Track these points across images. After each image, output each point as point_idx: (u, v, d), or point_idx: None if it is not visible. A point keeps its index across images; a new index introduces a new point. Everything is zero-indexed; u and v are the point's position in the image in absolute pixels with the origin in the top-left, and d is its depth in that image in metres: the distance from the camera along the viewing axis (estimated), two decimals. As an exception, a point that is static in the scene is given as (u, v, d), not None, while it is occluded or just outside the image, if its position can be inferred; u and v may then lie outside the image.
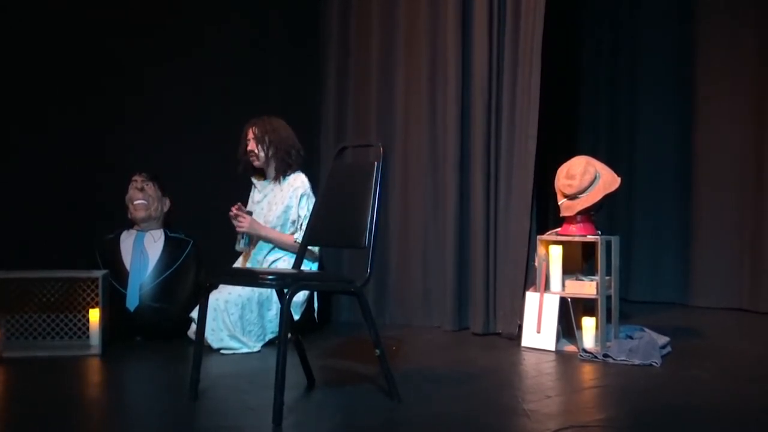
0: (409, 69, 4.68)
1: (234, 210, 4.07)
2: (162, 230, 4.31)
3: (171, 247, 4.24)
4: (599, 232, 3.84)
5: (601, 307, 3.73)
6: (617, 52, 5.78)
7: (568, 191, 3.81)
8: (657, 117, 5.56)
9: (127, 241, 4.25)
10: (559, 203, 3.88)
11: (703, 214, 5.37)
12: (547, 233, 3.95)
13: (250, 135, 4.19)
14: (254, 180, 4.32)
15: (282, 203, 4.14)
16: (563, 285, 3.86)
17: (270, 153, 4.17)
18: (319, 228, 3.16)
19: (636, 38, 5.67)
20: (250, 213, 4.11)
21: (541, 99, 4.11)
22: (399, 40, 4.72)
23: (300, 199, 4.15)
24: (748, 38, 5.14)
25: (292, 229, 4.16)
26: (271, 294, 3.98)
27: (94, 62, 4.63)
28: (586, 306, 3.89)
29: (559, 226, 3.93)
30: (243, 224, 4.06)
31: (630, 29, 5.71)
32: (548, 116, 4.35)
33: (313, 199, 4.12)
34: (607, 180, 3.80)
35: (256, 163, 4.21)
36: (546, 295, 3.86)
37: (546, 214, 4.89)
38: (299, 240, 4.05)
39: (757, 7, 5.09)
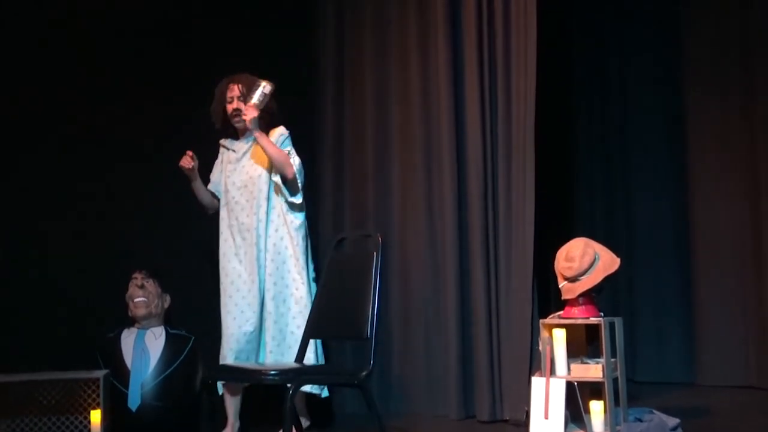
0: (404, 159, 4.74)
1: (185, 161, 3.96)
2: (163, 327, 4.29)
3: (172, 344, 4.21)
4: (602, 314, 3.82)
5: (608, 390, 3.68)
6: (610, 136, 5.85)
7: (568, 273, 3.80)
8: (653, 197, 5.59)
9: (127, 339, 4.23)
10: (559, 286, 3.88)
11: (705, 291, 5.35)
12: (550, 316, 3.92)
13: (236, 92, 3.98)
14: (225, 142, 4.12)
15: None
16: (569, 369, 3.82)
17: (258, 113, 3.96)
18: (320, 320, 3.16)
19: (628, 119, 5.74)
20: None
21: (536, 183, 4.15)
22: (393, 132, 4.79)
23: (283, 142, 3.99)
24: (736, 107, 5.21)
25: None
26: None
27: (88, 146, 4.64)
28: (593, 389, 3.83)
29: (561, 309, 3.91)
30: (248, 113, 3.85)
31: (621, 115, 5.78)
32: (545, 200, 4.38)
33: (290, 142, 4.00)
34: (607, 261, 3.80)
35: (239, 125, 4.01)
36: (552, 380, 3.81)
37: (548, 297, 4.87)
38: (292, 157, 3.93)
39: (742, 73, 5.18)
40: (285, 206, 3.99)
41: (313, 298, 3.91)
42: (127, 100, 4.73)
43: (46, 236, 4.50)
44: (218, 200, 4.16)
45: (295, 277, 3.94)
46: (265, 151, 3.92)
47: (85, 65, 4.64)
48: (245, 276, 3.96)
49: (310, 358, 3.80)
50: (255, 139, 3.96)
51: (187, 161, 3.99)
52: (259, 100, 3.88)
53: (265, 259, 3.95)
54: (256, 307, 3.94)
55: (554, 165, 5.49)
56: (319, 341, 3.94)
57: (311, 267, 4.08)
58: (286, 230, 3.97)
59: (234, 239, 4.01)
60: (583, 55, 5.98)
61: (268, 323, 3.91)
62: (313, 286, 4.00)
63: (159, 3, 4.85)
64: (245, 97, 3.95)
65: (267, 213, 3.98)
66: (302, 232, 4.02)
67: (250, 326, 3.93)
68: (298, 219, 4.01)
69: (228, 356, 3.91)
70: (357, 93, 4.97)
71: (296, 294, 3.93)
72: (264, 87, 3.88)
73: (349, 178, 4.95)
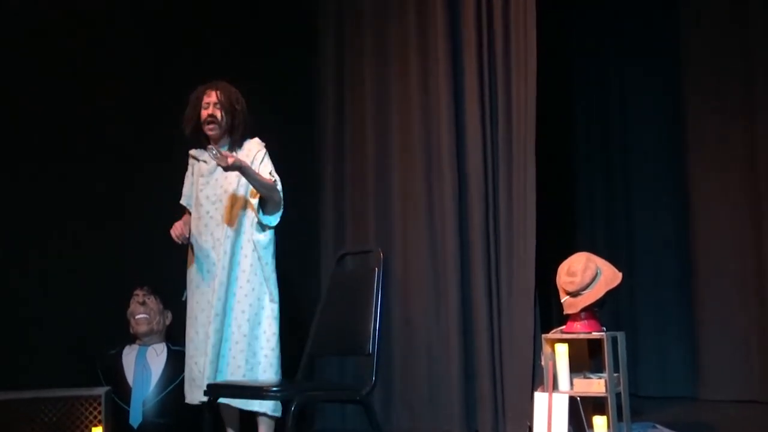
0: (404, 171, 4.74)
1: (177, 232, 3.75)
2: (164, 344, 4.30)
3: (174, 361, 4.21)
4: (604, 329, 3.81)
5: (611, 404, 3.67)
6: (610, 146, 5.85)
7: (570, 288, 3.80)
8: (654, 210, 5.58)
9: (129, 356, 4.23)
10: (561, 301, 3.87)
11: (707, 305, 5.33)
12: (552, 331, 3.92)
13: (213, 98, 3.81)
14: (195, 153, 3.96)
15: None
16: (571, 384, 3.81)
17: (235, 122, 3.80)
18: (322, 337, 3.15)
19: (628, 132, 5.74)
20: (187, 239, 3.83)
21: (537, 195, 4.16)
22: (394, 143, 4.80)
23: (262, 159, 3.81)
24: (737, 115, 5.20)
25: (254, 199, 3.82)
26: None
27: (89, 160, 4.65)
28: (596, 404, 3.82)
29: (563, 323, 3.91)
30: (230, 160, 3.53)
31: (621, 124, 5.79)
32: (546, 213, 4.39)
33: (269, 157, 3.82)
34: (609, 276, 3.80)
35: (212, 133, 3.80)
36: (554, 395, 3.80)
37: (550, 312, 4.86)
38: (276, 179, 3.77)
39: (743, 81, 5.18)
40: (256, 225, 3.82)
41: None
42: (127, 114, 4.74)
43: (47, 252, 4.50)
44: (190, 214, 3.97)
45: (269, 298, 3.81)
46: (252, 183, 3.73)
47: (85, 76, 4.65)
48: (211, 294, 3.74)
49: (269, 376, 3.71)
50: (228, 149, 3.81)
51: (180, 235, 3.80)
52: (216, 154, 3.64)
53: (238, 278, 3.77)
54: (215, 328, 3.70)
55: (555, 178, 5.50)
56: (277, 358, 3.78)
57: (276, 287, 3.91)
58: (259, 249, 3.82)
59: (207, 255, 3.81)
60: (582, 64, 5.98)
61: (242, 345, 3.71)
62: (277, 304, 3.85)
63: (159, 14, 4.87)
64: (223, 106, 3.81)
65: (243, 229, 3.81)
66: (271, 250, 3.86)
67: (211, 348, 3.69)
68: (266, 237, 3.83)
69: (194, 379, 3.72)
70: (357, 102, 4.97)
71: (270, 316, 3.79)
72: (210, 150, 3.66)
73: (350, 192, 4.95)
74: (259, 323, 3.77)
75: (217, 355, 3.70)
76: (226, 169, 3.59)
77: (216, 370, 3.68)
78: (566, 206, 5.93)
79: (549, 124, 4.73)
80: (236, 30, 5.05)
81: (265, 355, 3.77)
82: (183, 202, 4.04)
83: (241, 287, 3.77)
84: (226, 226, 3.79)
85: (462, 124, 4.48)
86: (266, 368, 3.74)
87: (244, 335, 3.73)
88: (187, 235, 3.84)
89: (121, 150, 4.72)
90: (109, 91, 4.70)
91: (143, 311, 4.29)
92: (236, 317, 3.74)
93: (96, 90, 4.67)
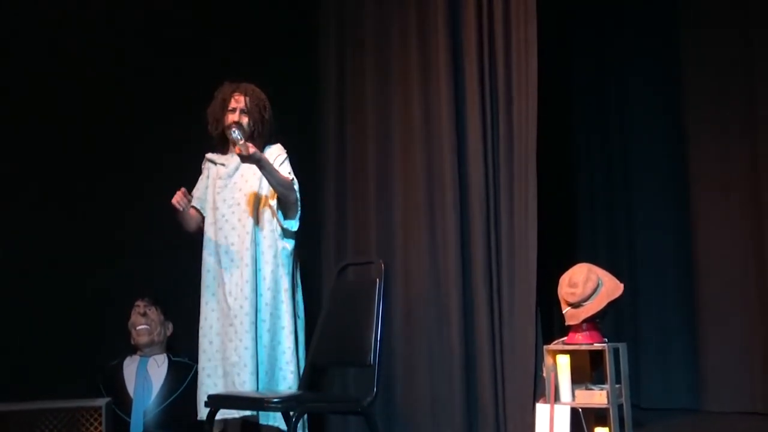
0: (406, 181, 4.73)
1: (178, 198, 3.58)
2: (165, 355, 4.29)
3: (175, 372, 4.21)
4: (606, 340, 3.81)
5: (613, 416, 3.66)
6: (612, 160, 5.84)
7: (572, 299, 3.80)
8: (655, 221, 5.56)
9: (130, 367, 4.23)
10: (563, 312, 3.87)
11: (709, 316, 5.30)
12: (554, 342, 3.91)
13: (241, 104, 3.72)
14: (212, 156, 3.85)
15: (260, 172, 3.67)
16: (573, 395, 3.80)
17: (262, 131, 3.74)
18: (324, 347, 3.15)
19: (628, 136, 5.71)
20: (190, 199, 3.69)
21: (539, 208, 4.15)
22: (395, 146, 4.79)
23: (282, 162, 3.74)
24: (737, 127, 5.18)
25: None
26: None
27: (90, 171, 4.66)
28: (598, 415, 3.81)
29: (565, 334, 3.91)
30: (251, 150, 3.42)
31: (622, 133, 5.77)
32: (547, 225, 4.38)
33: (289, 162, 3.73)
34: (610, 287, 3.80)
35: (235, 135, 3.62)
36: (556, 407, 3.79)
37: (551, 323, 4.85)
38: (293, 179, 3.69)
39: (744, 92, 5.16)
40: (279, 231, 3.75)
41: (300, 332, 3.76)
42: (126, 119, 4.74)
43: (48, 264, 4.50)
44: (203, 217, 3.86)
45: (287, 309, 3.70)
46: (269, 179, 3.63)
47: (85, 77, 4.66)
48: (229, 301, 3.65)
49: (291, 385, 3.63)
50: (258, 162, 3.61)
51: (181, 200, 3.64)
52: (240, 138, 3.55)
53: (261, 286, 3.67)
54: (240, 337, 3.59)
55: (555, 182, 5.47)
56: (293, 373, 3.66)
57: (300, 297, 3.84)
58: (280, 257, 3.74)
59: (220, 260, 3.71)
60: (581, 67, 5.95)
61: (263, 357, 3.62)
62: (300, 319, 3.79)
63: (159, 14, 4.88)
64: (250, 113, 3.74)
65: (263, 234, 3.71)
66: (293, 260, 3.79)
67: (222, 358, 3.62)
68: (290, 245, 3.78)
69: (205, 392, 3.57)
70: (358, 105, 4.94)
71: (288, 327, 3.68)
72: (233, 132, 3.58)
73: (351, 201, 4.94)
74: (276, 334, 3.69)
75: (257, 363, 3.59)
76: (244, 158, 3.49)
77: (257, 379, 3.57)
78: (566, 212, 5.91)
79: (549, 127, 4.71)
80: (236, 30, 5.05)
81: (280, 368, 3.69)
82: (195, 204, 3.92)
83: (261, 294, 3.68)
84: (243, 230, 3.70)
85: (463, 130, 4.47)
86: (281, 382, 3.67)
87: (264, 346, 3.65)
88: (188, 201, 3.69)
89: (122, 156, 4.72)
90: (109, 94, 4.70)
91: (144, 322, 4.29)
92: (260, 326, 3.65)
93: (96, 93, 4.66)
